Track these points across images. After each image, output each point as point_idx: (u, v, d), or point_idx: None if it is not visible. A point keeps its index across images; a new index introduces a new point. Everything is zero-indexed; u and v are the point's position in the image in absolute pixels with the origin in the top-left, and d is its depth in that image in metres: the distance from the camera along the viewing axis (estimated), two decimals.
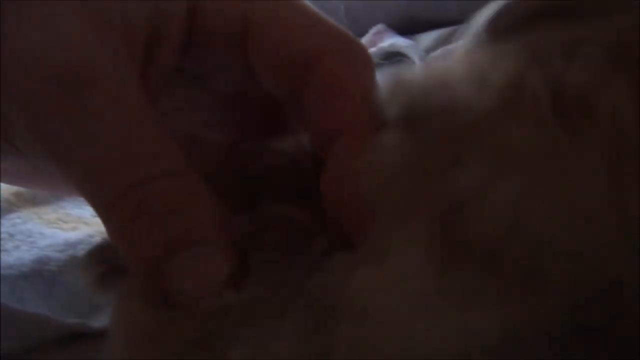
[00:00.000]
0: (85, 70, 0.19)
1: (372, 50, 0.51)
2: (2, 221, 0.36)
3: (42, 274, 0.30)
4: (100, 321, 0.28)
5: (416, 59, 0.47)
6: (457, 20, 0.56)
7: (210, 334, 0.18)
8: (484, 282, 0.16)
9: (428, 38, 0.53)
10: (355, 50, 0.22)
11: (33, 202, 0.41)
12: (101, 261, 0.21)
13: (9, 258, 0.32)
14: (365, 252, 0.18)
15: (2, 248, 0.33)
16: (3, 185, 0.41)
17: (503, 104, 0.16)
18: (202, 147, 0.24)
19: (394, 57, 0.48)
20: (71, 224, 0.37)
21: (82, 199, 0.42)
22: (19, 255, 0.32)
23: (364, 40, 0.54)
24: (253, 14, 0.22)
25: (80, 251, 0.32)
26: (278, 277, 0.19)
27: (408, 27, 0.57)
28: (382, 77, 0.21)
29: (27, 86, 0.19)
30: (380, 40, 0.52)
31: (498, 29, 0.18)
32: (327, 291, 0.18)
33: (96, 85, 0.19)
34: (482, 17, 0.19)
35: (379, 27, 0.56)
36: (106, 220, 0.19)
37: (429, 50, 0.50)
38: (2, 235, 0.35)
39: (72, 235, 0.35)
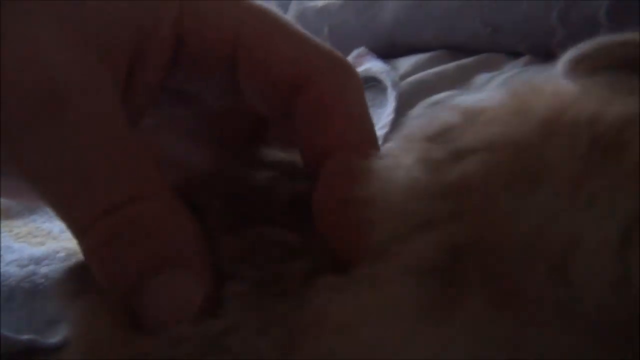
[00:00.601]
0: (60, 87, 0.18)
1: None
2: None
3: None
4: (54, 337, 0.28)
5: (389, 84, 0.48)
6: (435, 45, 0.56)
7: None
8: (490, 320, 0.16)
9: (407, 63, 0.54)
10: (345, 70, 0.22)
11: (7, 215, 0.42)
12: (77, 279, 0.20)
13: None
14: (354, 277, 0.18)
15: None
16: None
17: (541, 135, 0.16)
18: (186, 166, 0.24)
19: (367, 82, 0.48)
20: (39, 239, 0.37)
21: None
22: None
23: None
24: (243, 36, 0.22)
25: (43, 267, 0.33)
26: (259, 302, 0.18)
27: (389, 51, 0.58)
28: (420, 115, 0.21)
29: (1, 102, 0.18)
30: (361, 64, 0.52)
31: (578, 72, 0.18)
32: (304, 311, 0.17)
33: (71, 103, 0.18)
34: (563, 60, 0.19)
35: (361, 50, 0.57)
36: (80, 243, 0.19)
37: (406, 75, 0.51)
38: None
39: (38, 250, 0.35)
